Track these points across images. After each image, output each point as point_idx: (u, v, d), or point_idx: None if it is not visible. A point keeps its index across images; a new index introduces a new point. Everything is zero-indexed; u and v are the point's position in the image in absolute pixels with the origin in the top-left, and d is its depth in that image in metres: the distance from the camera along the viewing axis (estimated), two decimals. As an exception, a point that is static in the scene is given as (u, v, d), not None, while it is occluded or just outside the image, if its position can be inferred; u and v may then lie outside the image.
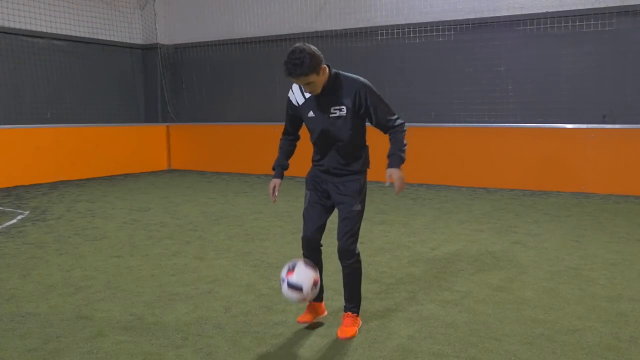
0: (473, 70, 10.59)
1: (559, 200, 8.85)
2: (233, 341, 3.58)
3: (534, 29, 9.96)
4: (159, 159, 13.81)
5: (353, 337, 3.60)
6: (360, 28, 11.52)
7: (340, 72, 3.54)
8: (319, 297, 3.79)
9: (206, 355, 3.38)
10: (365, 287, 4.61)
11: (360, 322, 3.78)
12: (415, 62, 11.11)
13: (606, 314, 3.97)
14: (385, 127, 3.55)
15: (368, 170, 3.73)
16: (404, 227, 6.96)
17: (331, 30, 11.83)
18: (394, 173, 3.47)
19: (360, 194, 3.59)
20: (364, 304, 4.21)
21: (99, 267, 5.28)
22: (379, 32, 11.31)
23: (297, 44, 3.36)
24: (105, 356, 3.38)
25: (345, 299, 3.77)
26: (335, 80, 3.47)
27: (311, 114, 3.53)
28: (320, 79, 3.38)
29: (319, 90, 3.42)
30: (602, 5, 9.44)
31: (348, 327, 3.66)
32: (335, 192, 3.62)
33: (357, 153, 3.60)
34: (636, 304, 4.16)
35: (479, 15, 10.40)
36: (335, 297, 4.37)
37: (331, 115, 3.47)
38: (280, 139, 3.85)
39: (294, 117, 3.70)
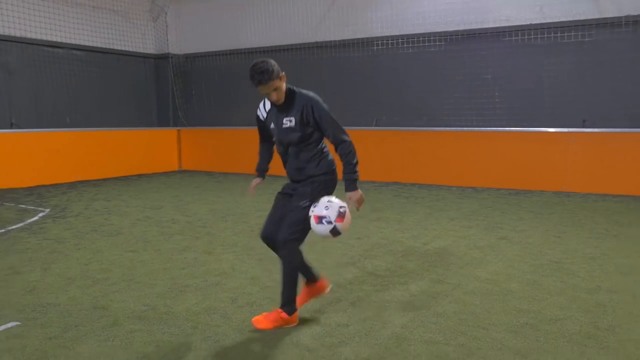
0: (462, 78, 10.58)
1: (542, 198, 8.85)
2: (239, 330, 3.57)
3: (519, 39, 9.95)
4: (170, 160, 13.80)
5: (263, 329, 3.49)
6: (358, 39, 11.51)
7: (295, 88, 3.54)
8: (310, 277, 3.75)
9: (214, 343, 3.38)
10: (362, 280, 4.62)
11: (288, 321, 3.56)
12: (408, 70, 11.10)
13: (586, 305, 3.97)
14: (333, 143, 3.51)
15: (334, 170, 3.65)
16: (398, 224, 6.96)
17: (330, 41, 11.82)
18: (352, 196, 3.48)
19: (311, 194, 3.51)
20: (360, 295, 4.22)
21: (114, 261, 5.28)
22: (375, 42, 11.30)
23: (257, 59, 3.43)
24: (121, 344, 3.37)
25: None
26: (289, 95, 3.49)
27: (272, 125, 3.61)
28: (283, 86, 3.43)
29: (283, 97, 3.46)
30: (582, 18, 9.43)
31: (265, 318, 3.55)
32: (292, 192, 3.65)
33: (311, 160, 3.55)
34: (614, 295, 4.16)
35: (467, 27, 10.39)
36: (334, 289, 4.36)
37: (283, 126, 3.51)
38: (259, 146, 3.97)
39: (262, 129, 3.82)
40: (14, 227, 6.91)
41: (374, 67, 11.47)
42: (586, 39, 9.42)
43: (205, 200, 9.05)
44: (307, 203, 3.49)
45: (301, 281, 3.74)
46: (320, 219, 3.40)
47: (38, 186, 10.58)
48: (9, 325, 3.67)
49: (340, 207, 3.43)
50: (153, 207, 8.33)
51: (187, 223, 7.12)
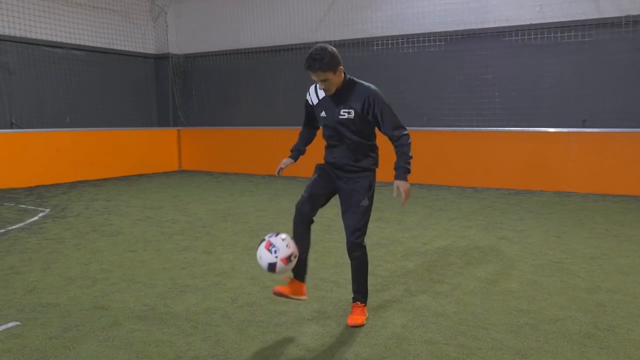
0: (462, 78, 10.59)
1: (542, 198, 8.84)
2: (239, 330, 3.57)
3: (519, 39, 9.96)
4: (170, 160, 13.80)
5: (362, 325, 3.59)
6: (358, 39, 11.51)
7: (355, 78, 3.53)
8: (301, 277, 3.61)
9: (214, 343, 3.38)
10: (362, 280, 4.62)
11: (367, 312, 3.76)
12: (408, 70, 11.10)
13: (586, 305, 3.97)
14: (392, 136, 3.46)
15: (377, 170, 3.67)
16: (398, 224, 6.96)
17: (330, 41, 11.79)
18: (401, 185, 3.46)
19: (369, 191, 3.56)
20: (361, 295, 4.22)
21: (114, 261, 5.28)
22: (375, 42, 11.30)
23: (320, 43, 3.38)
24: (121, 344, 3.37)
25: (353, 290, 3.74)
26: (348, 85, 3.46)
27: (323, 113, 3.55)
28: (335, 79, 3.38)
29: (333, 90, 3.43)
30: (582, 18, 9.43)
31: (357, 315, 3.65)
32: (345, 186, 3.57)
33: (366, 152, 3.55)
34: (614, 295, 4.16)
35: (467, 27, 10.40)
36: (334, 289, 4.37)
37: (340, 117, 3.47)
38: (301, 130, 3.93)
39: (309, 114, 3.78)
40: (14, 227, 6.91)
41: (374, 67, 11.46)
42: (586, 39, 9.43)
43: (205, 200, 9.05)
44: (367, 202, 3.53)
45: (286, 277, 3.65)
46: (269, 249, 3.29)
47: (38, 186, 10.58)
48: (9, 325, 3.67)
49: (294, 255, 3.33)
50: (153, 207, 8.33)
51: (187, 223, 7.12)
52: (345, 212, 3.58)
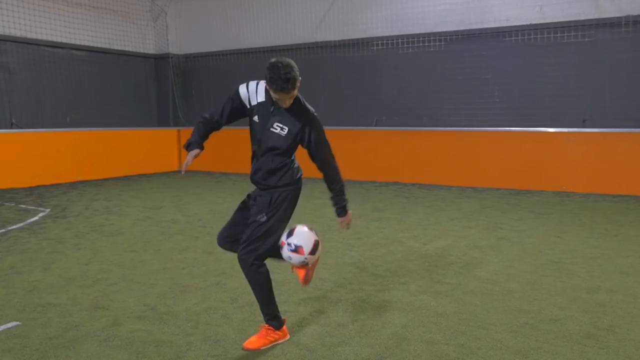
0: (462, 78, 10.59)
1: (542, 198, 8.84)
2: (239, 330, 3.57)
3: (519, 39, 9.96)
4: (170, 160, 13.80)
5: (256, 349, 3.26)
6: (358, 39, 11.51)
7: (301, 97, 3.27)
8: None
9: (214, 342, 3.38)
10: (362, 280, 4.62)
11: (280, 337, 3.37)
12: (408, 70, 11.10)
13: (586, 305, 3.97)
14: (322, 168, 3.32)
15: (299, 179, 3.41)
16: (398, 224, 6.96)
17: (330, 41, 11.82)
18: (344, 220, 3.44)
19: (269, 207, 3.27)
20: (360, 296, 4.21)
21: (114, 261, 5.28)
22: (375, 42, 11.30)
23: (277, 59, 3.09)
24: (121, 343, 3.37)
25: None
26: (294, 102, 3.22)
27: (256, 118, 3.28)
28: (295, 94, 3.18)
29: (287, 104, 3.19)
30: (582, 18, 9.44)
31: (254, 338, 3.34)
32: (252, 202, 3.41)
33: (278, 169, 3.30)
34: (614, 295, 4.16)
35: (467, 27, 10.40)
36: (334, 289, 4.37)
37: (271, 129, 3.23)
38: (199, 122, 3.43)
39: (234, 111, 3.38)
40: (14, 227, 6.91)
41: (374, 67, 11.47)
42: (586, 39, 9.43)
43: (205, 200, 9.05)
44: (264, 218, 3.26)
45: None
46: (294, 249, 3.27)
47: (38, 186, 10.58)
48: (9, 325, 3.67)
49: (316, 240, 3.33)
50: (153, 207, 8.33)
51: (187, 223, 7.11)
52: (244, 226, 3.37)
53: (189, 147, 3.35)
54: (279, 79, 3.02)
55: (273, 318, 3.37)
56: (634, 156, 9.02)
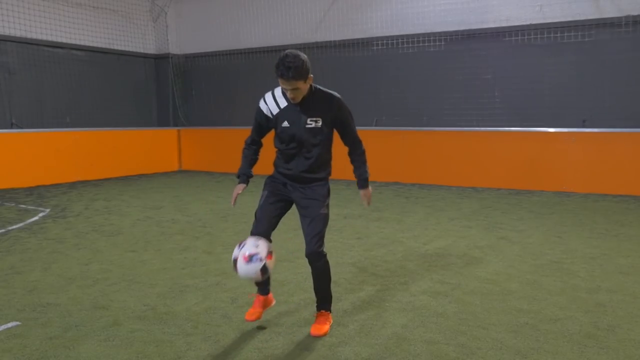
0: (462, 78, 10.59)
1: (542, 198, 8.85)
2: (239, 330, 3.57)
3: (519, 39, 9.96)
4: (170, 160, 13.80)
5: (325, 334, 3.48)
6: (358, 39, 11.51)
7: (319, 87, 3.42)
8: (266, 290, 3.67)
9: (214, 342, 3.38)
10: (362, 280, 4.62)
11: (332, 320, 3.64)
12: (408, 70, 11.10)
13: (586, 305, 3.97)
14: (353, 144, 3.55)
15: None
16: (398, 224, 6.96)
17: (330, 41, 11.82)
18: (366, 193, 3.65)
19: (327, 199, 3.50)
20: (360, 295, 4.22)
21: (114, 261, 5.28)
22: (375, 42, 11.30)
23: (290, 50, 3.25)
24: (121, 343, 3.37)
25: (317, 299, 3.62)
26: (314, 93, 3.36)
27: (286, 124, 3.39)
28: (305, 87, 3.26)
29: (299, 98, 3.30)
30: (582, 18, 9.44)
31: (321, 324, 3.54)
32: (301, 197, 3.46)
33: (324, 162, 3.49)
34: (614, 295, 4.16)
35: (467, 27, 10.40)
36: (334, 289, 4.33)
37: (307, 126, 3.35)
38: (244, 148, 3.69)
39: (262, 128, 3.56)
40: (14, 227, 6.91)
41: (374, 67, 11.47)
42: (586, 39, 9.43)
43: (205, 200, 9.05)
44: (325, 210, 3.46)
45: (253, 294, 3.74)
46: (250, 258, 3.24)
47: (38, 186, 10.58)
48: (9, 325, 3.67)
49: (268, 245, 3.34)
50: (153, 207, 8.33)
51: (187, 223, 7.12)
52: (304, 222, 3.46)
53: (238, 177, 3.66)
54: (282, 65, 3.16)
55: (330, 304, 3.65)
56: (634, 156, 9.03)
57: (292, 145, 3.43)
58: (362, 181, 3.61)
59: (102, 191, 10.08)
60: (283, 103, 3.41)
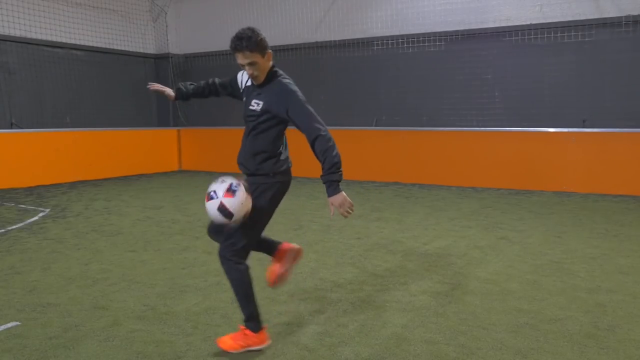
0: (462, 78, 10.58)
1: (542, 198, 8.85)
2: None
3: (519, 39, 9.96)
4: (170, 160, 13.80)
5: (227, 351, 3.17)
6: (358, 39, 11.51)
7: (279, 72, 3.25)
8: (274, 248, 3.60)
9: (214, 343, 3.38)
10: (362, 280, 4.62)
11: (256, 343, 3.21)
12: (408, 70, 11.10)
13: (586, 305, 3.97)
14: (310, 138, 3.03)
15: (279, 178, 3.25)
16: (398, 224, 6.95)
17: (330, 41, 11.82)
18: (333, 201, 3.01)
19: (260, 199, 3.18)
20: (360, 295, 4.21)
21: (114, 261, 5.28)
22: (375, 42, 11.30)
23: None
24: (121, 343, 3.37)
25: None
26: (270, 77, 3.19)
27: (244, 99, 3.36)
28: (264, 65, 3.13)
29: (262, 78, 3.16)
30: (582, 18, 9.43)
31: (230, 337, 3.24)
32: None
33: (258, 153, 3.20)
34: (614, 295, 4.16)
35: (467, 27, 10.40)
36: (334, 289, 4.37)
37: (250, 107, 3.24)
38: (206, 81, 3.60)
39: (227, 86, 3.58)
40: (14, 227, 6.91)
41: (374, 67, 11.47)
42: (586, 39, 9.43)
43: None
44: (254, 213, 3.15)
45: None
46: (208, 195, 3.04)
47: (38, 186, 10.58)
48: (9, 325, 3.67)
49: (234, 184, 3.02)
50: (153, 207, 8.33)
51: (187, 223, 7.11)
52: None
53: (177, 90, 3.55)
54: (235, 38, 3.06)
55: (250, 319, 3.23)
56: (634, 156, 9.02)
57: (244, 125, 3.36)
58: (326, 185, 2.99)
59: (102, 191, 10.08)
60: (249, 82, 3.35)
